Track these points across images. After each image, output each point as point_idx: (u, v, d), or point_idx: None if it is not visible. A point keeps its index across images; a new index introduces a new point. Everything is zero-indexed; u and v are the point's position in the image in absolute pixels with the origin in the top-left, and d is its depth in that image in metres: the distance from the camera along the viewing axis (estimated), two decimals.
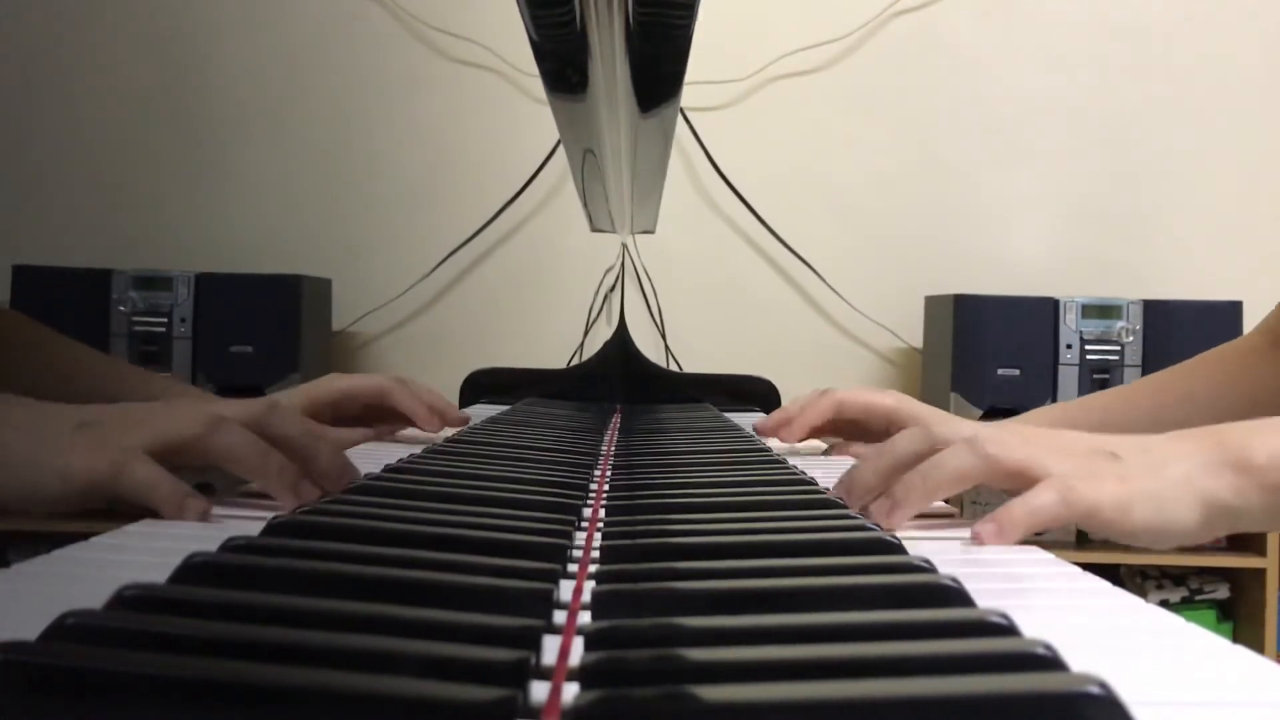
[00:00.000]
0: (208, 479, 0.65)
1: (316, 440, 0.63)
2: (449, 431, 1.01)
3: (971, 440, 0.60)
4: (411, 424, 1.03)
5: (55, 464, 0.56)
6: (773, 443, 1.00)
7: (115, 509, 0.56)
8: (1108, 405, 1.01)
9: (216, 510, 0.59)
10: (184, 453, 0.59)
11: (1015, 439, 0.60)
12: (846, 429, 1.02)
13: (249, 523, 0.53)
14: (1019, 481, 0.58)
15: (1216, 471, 0.58)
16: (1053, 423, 0.97)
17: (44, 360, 0.99)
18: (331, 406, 1.01)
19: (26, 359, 0.98)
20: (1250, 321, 1.88)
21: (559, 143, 1.86)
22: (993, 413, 2.00)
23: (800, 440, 1.02)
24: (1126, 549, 2.28)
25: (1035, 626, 0.35)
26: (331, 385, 1.02)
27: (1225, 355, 1.00)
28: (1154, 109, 2.42)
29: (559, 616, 0.38)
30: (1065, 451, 0.60)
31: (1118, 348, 2.10)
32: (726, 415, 1.36)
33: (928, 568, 0.43)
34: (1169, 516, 0.57)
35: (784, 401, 1.71)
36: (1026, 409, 1.41)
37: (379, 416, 1.04)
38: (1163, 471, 0.58)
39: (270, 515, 0.50)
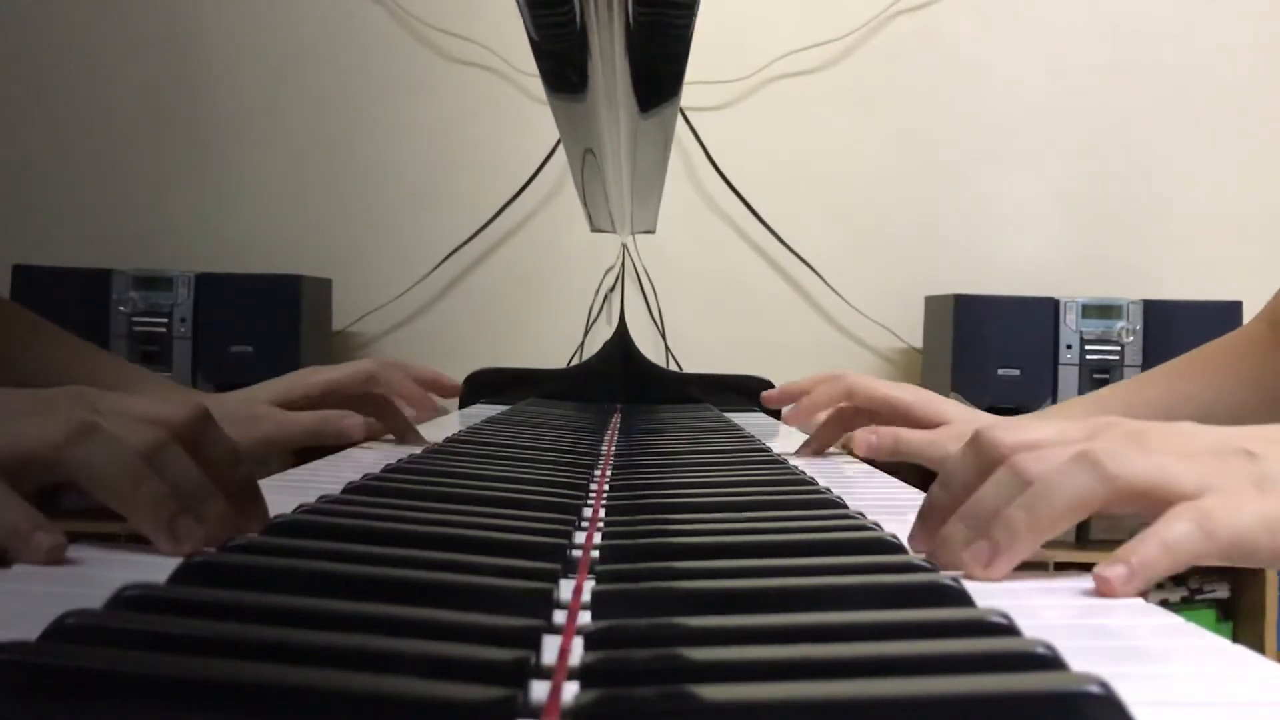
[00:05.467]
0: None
1: (207, 498, 0.51)
2: (449, 431, 1.01)
3: (1084, 456, 0.47)
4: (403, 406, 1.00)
5: None
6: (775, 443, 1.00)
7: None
8: (1126, 397, 0.95)
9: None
10: (34, 465, 0.48)
11: (1132, 447, 0.48)
12: (854, 419, 0.97)
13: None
14: (1146, 503, 0.47)
15: None
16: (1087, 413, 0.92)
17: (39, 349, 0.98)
18: (310, 403, 0.97)
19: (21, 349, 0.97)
20: None
21: (559, 143, 1.86)
22: (992, 413, 1.99)
23: (807, 421, 0.99)
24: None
25: (1036, 627, 0.35)
26: (308, 381, 0.99)
27: (1228, 349, 0.96)
28: (1154, 109, 2.42)
29: (559, 616, 0.38)
30: (1190, 453, 0.48)
31: (1118, 348, 2.09)
32: (726, 415, 1.36)
33: (928, 567, 0.43)
34: None
35: None
36: (1027, 409, 1.40)
37: (368, 402, 1.01)
38: None
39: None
